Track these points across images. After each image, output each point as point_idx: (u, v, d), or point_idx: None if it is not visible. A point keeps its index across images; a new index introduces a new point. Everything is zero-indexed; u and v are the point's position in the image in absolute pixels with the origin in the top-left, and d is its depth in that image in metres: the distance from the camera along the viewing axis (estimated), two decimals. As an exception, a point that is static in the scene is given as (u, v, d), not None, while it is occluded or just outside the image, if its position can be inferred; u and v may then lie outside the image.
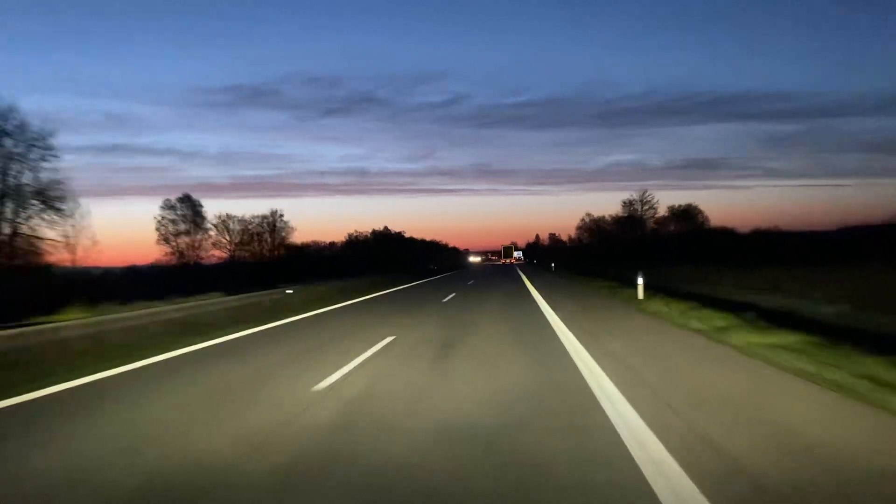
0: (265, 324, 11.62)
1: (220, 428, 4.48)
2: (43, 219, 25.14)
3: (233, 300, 12.72)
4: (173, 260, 42.70)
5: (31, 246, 25.06)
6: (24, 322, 9.80)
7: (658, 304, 13.31)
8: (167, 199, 44.05)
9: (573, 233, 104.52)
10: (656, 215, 65.66)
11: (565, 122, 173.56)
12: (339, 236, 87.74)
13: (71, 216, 25.26)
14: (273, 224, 53.05)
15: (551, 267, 55.82)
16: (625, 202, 68.74)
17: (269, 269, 41.21)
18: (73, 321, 9.40)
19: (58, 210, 25.39)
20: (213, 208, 63.97)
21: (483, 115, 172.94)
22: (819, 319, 10.98)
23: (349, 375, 6.44)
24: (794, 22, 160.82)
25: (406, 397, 5.40)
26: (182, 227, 43.91)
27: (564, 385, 5.80)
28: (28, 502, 3.26)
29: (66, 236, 25.43)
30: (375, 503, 3.04)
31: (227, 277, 32.21)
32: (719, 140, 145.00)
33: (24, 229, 24.83)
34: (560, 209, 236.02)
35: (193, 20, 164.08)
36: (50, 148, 24.82)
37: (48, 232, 25.32)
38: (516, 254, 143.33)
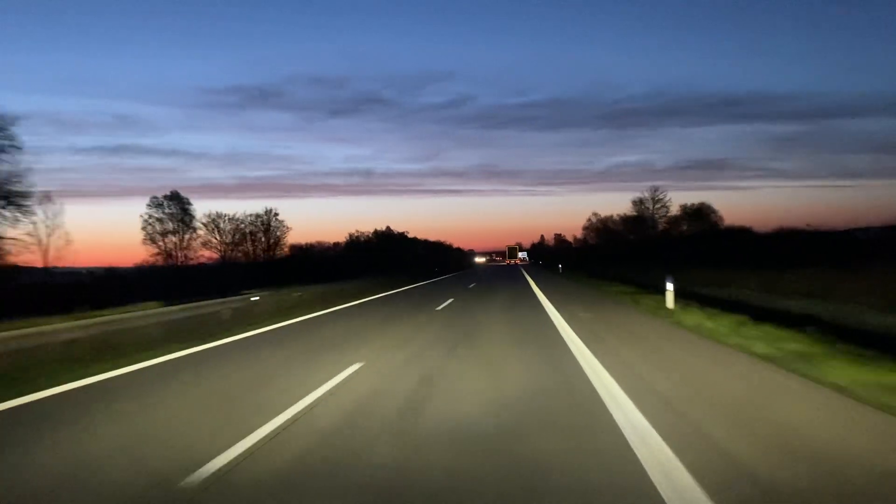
0: (184, 349, 8.60)
1: None
2: (3, 216, 22.99)
3: (171, 312, 10.35)
4: (160, 261, 40.49)
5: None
6: None
7: (696, 316, 10.90)
8: (154, 197, 41.85)
9: (579, 233, 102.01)
10: (668, 214, 62.91)
11: (571, 122, 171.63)
12: (343, 237, 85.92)
13: (33, 213, 23.09)
14: (268, 223, 50.80)
15: (559, 268, 53.31)
16: (635, 201, 65.94)
17: (259, 271, 38.95)
18: None
19: (19, 207, 23.24)
20: (218, 209, 61.96)
21: (488, 115, 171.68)
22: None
23: (259, 450, 4.06)
24: (800, 23, 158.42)
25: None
26: (169, 226, 41.68)
27: (609, 469, 3.40)
28: None
29: (32, 235, 23.29)
30: None
31: (207, 280, 29.96)
32: (725, 141, 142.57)
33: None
34: (565, 210, 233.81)
35: (199, 21, 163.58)
36: (10, 139, 22.64)
37: (9, 231, 23.19)
38: (521, 254, 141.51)
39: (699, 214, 60.42)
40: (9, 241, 23.12)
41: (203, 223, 44.52)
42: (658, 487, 3.13)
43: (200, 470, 3.55)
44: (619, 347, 8.22)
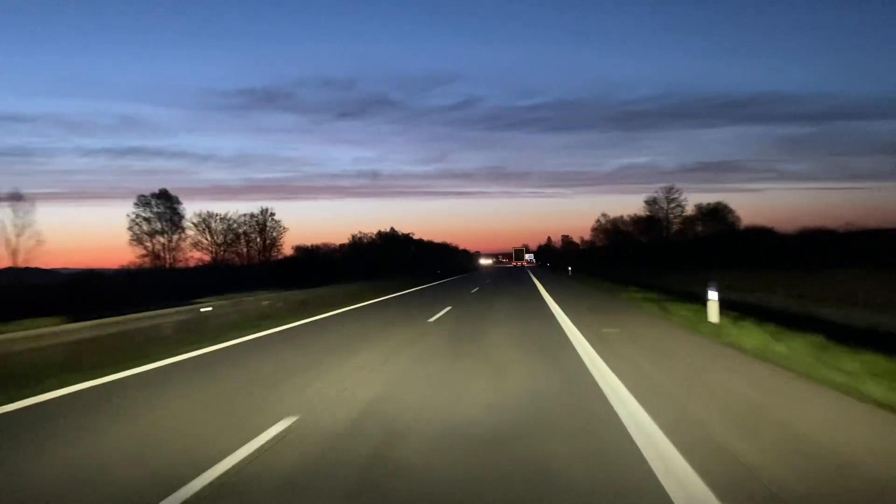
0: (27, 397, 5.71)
1: None
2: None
3: (75, 330, 7.99)
4: (147, 262, 38.37)
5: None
6: None
7: (754, 334, 8.49)
8: (141, 196, 39.69)
9: (586, 235, 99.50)
10: (684, 213, 60.09)
11: (578, 124, 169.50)
12: (349, 239, 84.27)
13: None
14: (263, 224, 48.59)
15: (568, 271, 50.79)
16: (648, 200, 63.20)
17: (249, 274, 36.76)
18: None
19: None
20: (225, 210, 59.74)
21: (496, 117, 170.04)
22: None
23: None
24: (809, 24, 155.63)
25: None
26: (157, 226, 39.51)
27: None
28: None
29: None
30: None
31: (190, 282, 27.77)
32: (733, 143, 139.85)
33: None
34: (572, 212, 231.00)
35: (207, 23, 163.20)
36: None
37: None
38: (528, 256, 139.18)
39: (715, 214, 57.79)
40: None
41: (193, 223, 42.37)
42: None
43: None
44: (669, 386, 5.83)
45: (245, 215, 46.81)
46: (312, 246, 67.01)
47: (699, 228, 57.48)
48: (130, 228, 38.63)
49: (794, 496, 3.07)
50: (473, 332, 10.63)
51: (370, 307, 17.15)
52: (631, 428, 4.36)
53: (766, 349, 7.64)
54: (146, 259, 38.16)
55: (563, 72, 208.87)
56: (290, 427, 4.59)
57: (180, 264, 39.75)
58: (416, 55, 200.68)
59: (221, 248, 43.32)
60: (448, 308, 15.80)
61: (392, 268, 55.84)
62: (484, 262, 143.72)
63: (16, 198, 27.53)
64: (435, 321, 12.64)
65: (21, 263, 26.56)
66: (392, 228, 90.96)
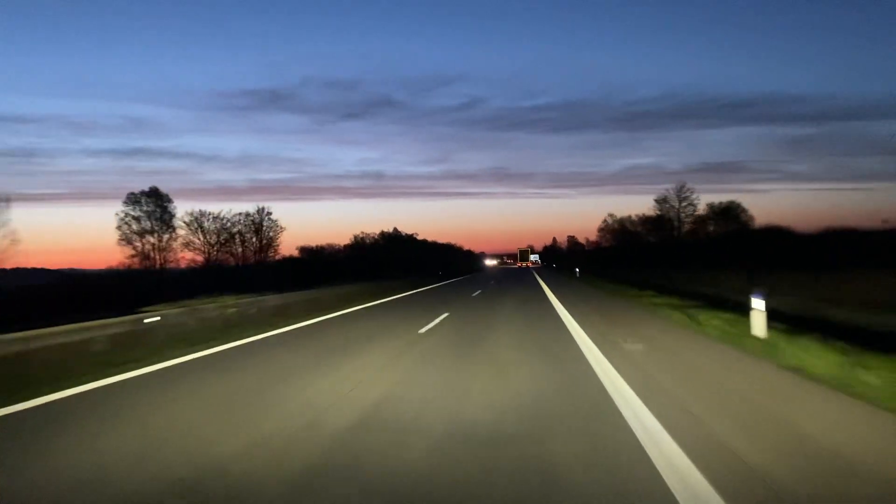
0: None
1: None
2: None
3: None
4: (136, 263, 36.74)
5: None
6: None
7: (823, 357, 6.65)
8: (131, 194, 38.04)
9: (592, 236, 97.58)
10: (696, 212, 57.83)
11: (582, 125, 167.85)
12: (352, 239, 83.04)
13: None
14: (260, 223, 46.88)
15: (576, 273, 48.82)
16: (658, 199, 60.98)
17: (240, 275, 35.09)
18: None
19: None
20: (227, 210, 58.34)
21: (500, 118, 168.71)
22: None
23: None
24: (812, 24, 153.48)
25: None
26: (147, 225, 37.84)
27: None
28: None
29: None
30: None
31: (169, 285, 26.08)
32: (738, 143, 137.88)
33: None
34: (577, 212, 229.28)
35: (212, 25, 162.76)
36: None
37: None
38: (533, 257, 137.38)
39: (727, 214, 55.70)
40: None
41: (185, 222, 40.63)
42: None
43: None
44: (745, 448, 3.99)
45: (240, 214, 45.12)
46: (317, 247, 66.06)
47: (711, 228, 55.41)
48: (119, 228, 37.02)
49: None
50: (470, 347, 8.83)
51: (358, 314, 15.38)
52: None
53: (850, 378, 5.80)
54: (135, 260, 36.53)
55: (566, 72, 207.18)
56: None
57: (171, 265, 38.11)
58: (419, 56, 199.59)
59: (214, 249, 41.62)
60: (444, 315, 14.01)
61: (394, 269, 54.16)
62: (489, 262, 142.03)
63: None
64: (427, 332, 10.86)
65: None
66: (395, 229, 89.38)
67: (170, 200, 38.65)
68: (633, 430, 4.33)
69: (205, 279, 32.04)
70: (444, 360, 7.68)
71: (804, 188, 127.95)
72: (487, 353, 8.24)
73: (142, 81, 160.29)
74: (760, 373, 6.49)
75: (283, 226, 48.49)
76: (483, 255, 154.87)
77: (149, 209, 37.77)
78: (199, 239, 40.93)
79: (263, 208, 46.79)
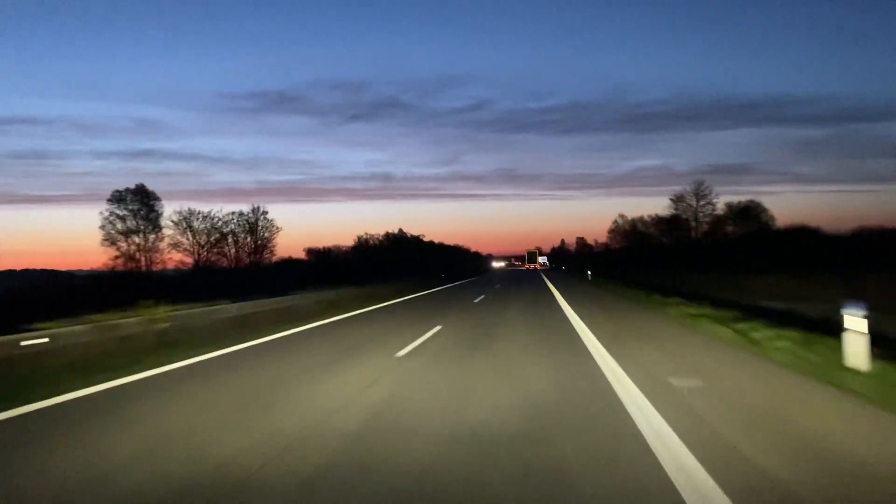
0: None
1: None
2: None
3: None
4: (120, 265, 34.62)
5: None
6: None
7: None
8: (116, 191, 35.93)
9: (601, 237, 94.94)
10: (714, 211, 54.84)
11: (590, 126, 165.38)
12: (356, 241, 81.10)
13: None
14: (254, 223, 44.67)
15: (587, 275, 46.17)
16: (674, 197, 58.06)
17: (230, 278, 32.86)
18: None
19: None
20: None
21: (507, 119, 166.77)
22: None
23: None
24: (821, 26, 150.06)
25: None
26: (132, 224, 35.72)
27: None
28: None
29: None
30: None
31: (145, 289, 23.85)
32: (747, 145, 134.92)
33: None
34: (585, 214, 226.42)
35: (220, 27, 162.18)
36: None
37: None
38: (541, 259, 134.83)
39: (747, 214, 52.89)
40: None
41: (173, 221, 38.46)
42: None
43: None
44: None
45: (232, 213, 42.85)
46: (324, 248, 64.98)
47: (730, 228, 52.61)
48: (103, 227, 34.93)
49: None
50: (460, 374, 6.41)
51: (326, 328, 12.95)
52: None
53: None
54: (119, 261, 34.43)
55: (574, 74, 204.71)
56: None
57: (157, 267, 36.01)
58: (427, 58, 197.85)
59: (204, 249, 39.44)
60: (436, 329, 11.61)
61: (397, 270, 51.87)
62: (496, 264, 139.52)
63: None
64: (409, 353, 8.47)
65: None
66: (400, 230, 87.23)
67: (157, 198, 36.60)
68: None
69: (191, 282, 29.86)
70: (421, 392, 5.28)
71: (813, 190, 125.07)
72: (490, 366, 5.82)
73: (150, 83, 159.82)
74: (911, 444, 4.04)
75: (279, 226, 46.33)
76: (490, 257, 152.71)
77: (134, 208, 35.68)
78: (187, 239, 38.80)
79: (258, 207, 44.63)
